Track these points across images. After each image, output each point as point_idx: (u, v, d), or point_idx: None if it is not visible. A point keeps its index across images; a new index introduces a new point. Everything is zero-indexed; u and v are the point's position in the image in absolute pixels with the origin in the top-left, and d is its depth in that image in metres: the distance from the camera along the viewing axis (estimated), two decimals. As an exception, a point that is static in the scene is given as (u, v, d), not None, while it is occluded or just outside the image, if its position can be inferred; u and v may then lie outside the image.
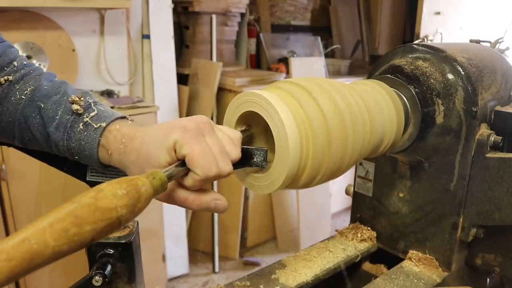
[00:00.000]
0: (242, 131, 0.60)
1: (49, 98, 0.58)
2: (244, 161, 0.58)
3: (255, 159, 0.58)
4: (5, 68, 0.60)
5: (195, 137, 0.51)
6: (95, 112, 0.57)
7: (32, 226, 0.36)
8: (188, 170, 0.51)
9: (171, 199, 0.54)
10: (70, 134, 0.56)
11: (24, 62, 0.62)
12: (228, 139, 0.55)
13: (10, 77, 0.59)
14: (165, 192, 0.49)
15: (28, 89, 0.59)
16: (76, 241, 0.38)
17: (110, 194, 0.40)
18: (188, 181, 0.52)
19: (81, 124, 0.56)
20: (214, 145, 0.52)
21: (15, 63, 0.61)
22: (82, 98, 0.57)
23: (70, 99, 0.57)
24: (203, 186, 0.54)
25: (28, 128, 0.58)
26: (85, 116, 0.56)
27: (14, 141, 0.61)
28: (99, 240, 0.41)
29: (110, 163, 0.56)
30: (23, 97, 0.58)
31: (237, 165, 0.57)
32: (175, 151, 0.51)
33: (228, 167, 0.53)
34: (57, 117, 0.56)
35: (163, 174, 0.47)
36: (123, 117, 0.58)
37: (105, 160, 0.56)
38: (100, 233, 0.40)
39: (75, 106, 0.56)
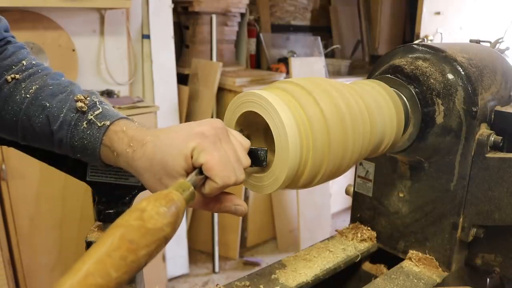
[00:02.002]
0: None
1: (55, 97, 0.57)
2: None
3: (255, 160, 0.57)
4: (14, 67, 0.60)
5: (213, 144, 0.50)
6: (100, 110, 0.56)
7: (90, 257, 0.34)
8: (206, 178, 0.50)
9: (191, 205, 0.53)
10: (74, 132, 0.55)
11: (33, 62, 0.62)
12: (240, 146, 0.54)
13: (18, 76, 0.59)
14: None
15: (33, 88, 0.58)
16: (134, 268, 0.36)
17: (155, 213, 0.38)
18: (206, 189, 0.50)
19: (84, 123, 0.55)
20: (230, 152, 0.51)
21: (24, 62, 0.61)
22: (88, 98, 0.57)
23: (75, 98, 0.57)
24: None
25: (31, 126, 0.57)
26: (89, 114, 0.55)
27: (17, 138, 0.60)
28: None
29: (116, 164, 0.55)
30: (27, 95, 0.57)
31: None
32: (191, 157, 0.50)
33: (243, 176, 0.52)
34: (62, 115, 0.56)
35: (190, 186, 0.45)
36: (127, 118, 0.57)
37: (109, 161, 0.56)
38: (152, 256, 0.38)
39: (79, 104, 0.56)
